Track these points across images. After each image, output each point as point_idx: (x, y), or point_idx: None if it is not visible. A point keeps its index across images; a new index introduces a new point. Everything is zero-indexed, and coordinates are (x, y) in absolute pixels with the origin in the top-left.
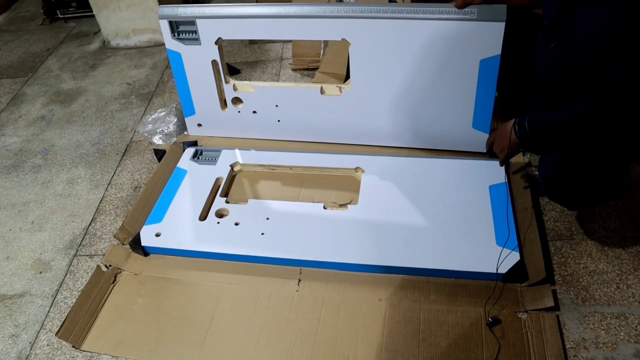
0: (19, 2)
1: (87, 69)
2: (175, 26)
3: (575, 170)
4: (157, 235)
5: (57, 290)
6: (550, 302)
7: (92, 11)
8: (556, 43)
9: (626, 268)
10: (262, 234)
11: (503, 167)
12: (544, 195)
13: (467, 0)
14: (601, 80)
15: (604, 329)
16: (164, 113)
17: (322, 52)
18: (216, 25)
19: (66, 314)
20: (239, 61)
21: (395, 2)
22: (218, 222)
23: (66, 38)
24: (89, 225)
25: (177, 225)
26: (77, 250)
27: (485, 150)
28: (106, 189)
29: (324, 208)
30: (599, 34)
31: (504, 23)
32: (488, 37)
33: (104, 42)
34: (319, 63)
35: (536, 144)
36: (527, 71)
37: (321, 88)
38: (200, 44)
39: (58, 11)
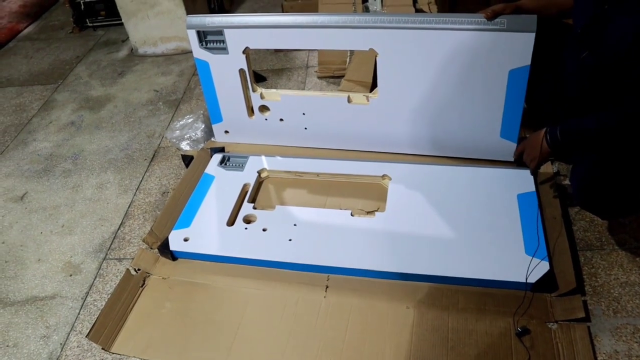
0: (49, 12)
1: (115, 76)
2: (203, 36)
3: (609, 179)
4: (186, 240)
5: (87, 293)
6: (581, 313)
7: (120, 19)
8: (588, 52)
9: None
10: (290, 240)
11: (532, 176)
12: (576, 205)
13: (497, 10)
14: (632, 88)
15: (637, 342)
16: (191, 119)
17: (348, 60)
18: (244, 35)
19: (96, 316)
20: (265, 69)
21: (423, 11)
22: (246, 228)
23: (95, 46)
24: (118, 229)
25: (205, 231)
26: (107, 254)
27: (512, 159)
28: (135, 194)
29: (352, 215)
30: (631, 41)
31: (534, 34)
32: (518, 47)
33: (132, 49)
34: (345, 71)
35: (568, 152)
36: (554, 81)
37: (348, 97)
38: (227, 53)
39: (87, 20)
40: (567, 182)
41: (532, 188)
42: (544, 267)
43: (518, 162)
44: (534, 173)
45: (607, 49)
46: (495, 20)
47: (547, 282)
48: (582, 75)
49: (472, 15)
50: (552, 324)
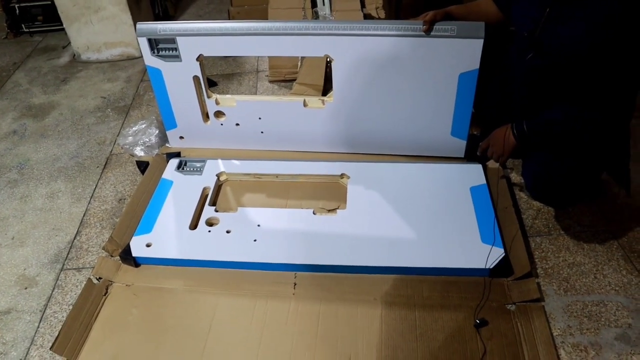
0: None
1: (58, 82)
2: (155, 44)
3: (560, 172)
4: (148, 245)
5: (46, 305)
6: (536, 294)
7: (58, 25)
8: (533, 54)
9: (601, 259)
10: (255, 240)
11: (481, 169)
12: (530, 196)
13: (429, 20)
14: (589, 87)
15: (586, 316)
16: (144, 125)
17: (299, 64)
18: (197, 43)
19: (57, 328)
20: (215, 74)
21: (372, 16)
22: (209, 231)
23: (33, 52)
24: (74, 238)
25: (168, 235)
26: (64, 264)
27: (462, 156)
28: (89, 202)
29: (314, 214)
30: (586, 47)
31: (483, 40)
32: (467, 52)
33: (74, 55)
34: (297, 75)
35: (534, 146)
36: (500, 85)
37: (304, 101)
38: (181, 61)
39: (23, 25)
40: (514, 174)
41: (483, 181)
42: (499, 253)
43: (481, 157)
44: (503, 166)
45: (557, 50)
46: (446, 27)
47: (503, 268)
48: (528, 76)
49: (423, 22)
50: (510, 305)
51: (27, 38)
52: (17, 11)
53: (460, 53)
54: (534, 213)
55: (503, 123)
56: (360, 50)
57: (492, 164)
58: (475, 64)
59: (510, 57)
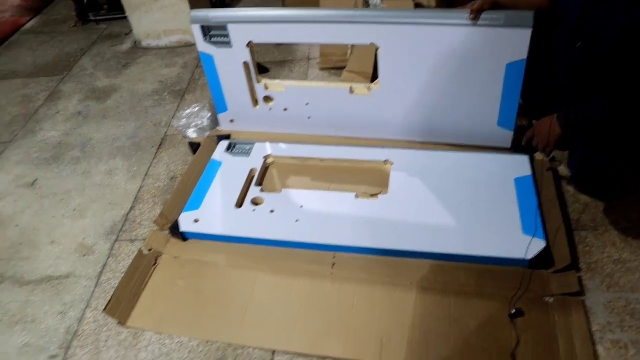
0: (51, 6)
1: (119, 67)
2: (207, 30)
3: (606, 163)
4: (196, 221)
5: (101, 272)
6: (575, 287)
7: (122, 13)
8: (582, 42)
9: None
10: (297, 220)
11: (527, 160)
12: (575, 188)
13: (477, 9)
14: (622, 79)
15: (628, 314)
16: (197, 108)
17: (349, 51)
18: (247, 30)
19: (110, 294)
20: (267, 60)
21: (422, 5)
22: (253, 210)
23: (98, 39)
24: (128, 212)
25: (215, 212)
26: (118, 236)
27: (509, 146)
28: (143, 179)
29: (356, 197)
30: (624, 30)
31: (531, 29)
32: (515, 42)
33: (135, 42)
34: (346, 62)
35: (579, 135)
36: (547, 70)
37: (350, 87)
38: (231, 47)
39: (90, 14)
40: (562, 167)
41: (529, 172)
42: (540, 244)
43: (526, 147)
44: (549, 157)
45: (603, 39)
46: (493, 16)
47: (543, 259)
48: (576, 64)
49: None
50: (548, 297)
51: (93, 26)
52: (85, 1)
53: (507, 42)
54: (580, 207)
55: (550, 109)
56: (406, 39)
57: (539, 155)
58: (523, 54)
59: (557, 43)
